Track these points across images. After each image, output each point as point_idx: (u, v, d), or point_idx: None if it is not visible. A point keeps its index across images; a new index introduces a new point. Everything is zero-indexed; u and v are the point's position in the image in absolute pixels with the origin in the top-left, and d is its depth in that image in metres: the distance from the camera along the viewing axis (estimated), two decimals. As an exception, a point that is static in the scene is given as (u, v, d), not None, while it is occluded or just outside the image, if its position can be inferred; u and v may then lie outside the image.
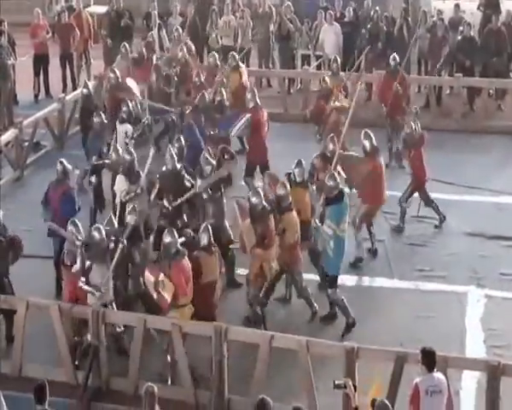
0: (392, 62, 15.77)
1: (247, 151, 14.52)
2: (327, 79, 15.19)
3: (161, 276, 9.73)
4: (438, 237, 13.11)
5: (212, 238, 10.24)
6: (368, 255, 12.46)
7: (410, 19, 19.05)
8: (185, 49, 16.77)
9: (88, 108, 14.94)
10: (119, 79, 15.51)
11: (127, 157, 11.95)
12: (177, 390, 9.60)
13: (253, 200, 10.68)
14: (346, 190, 11.63)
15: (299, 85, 19.25)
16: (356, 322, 10.67)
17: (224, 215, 11.71)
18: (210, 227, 10.33)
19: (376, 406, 7.46)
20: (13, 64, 17.78)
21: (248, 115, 13.89)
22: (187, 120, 14.33)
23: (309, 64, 19.09)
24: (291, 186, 11.18)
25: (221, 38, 19.38)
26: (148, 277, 9.88)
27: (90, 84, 15.76)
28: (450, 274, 12.03)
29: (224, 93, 14.84)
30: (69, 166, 12.03)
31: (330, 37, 18.63)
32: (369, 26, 18.74)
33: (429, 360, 7.95)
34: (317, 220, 10.77)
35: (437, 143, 14.74)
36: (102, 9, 21.41)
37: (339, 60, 16.10)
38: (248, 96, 14.32)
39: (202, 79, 15.67)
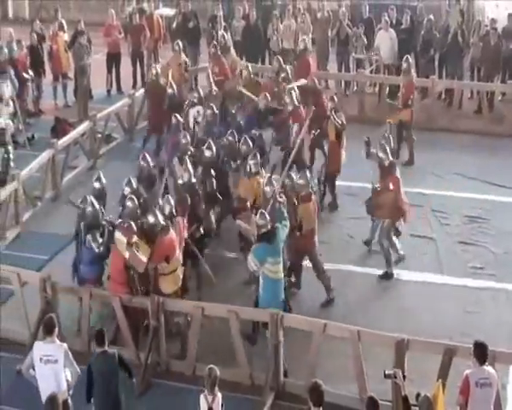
0: None
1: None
2: None
3: (135, 238, 9.85)
4: (489, 236, 12.80)
5: (173, 209, 10.33)
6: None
7: (464, 27, 18.66)
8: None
9: (173, 106, 14.81)
10: (159, 77, 15.57)
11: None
12: (234, 372, 9.55)
13: (266, 188, 10.91)
14: None
15: (355, 88, 19.05)
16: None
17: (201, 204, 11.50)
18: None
19: (420, 401, 7.32)
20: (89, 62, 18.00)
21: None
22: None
23: (363, 67, 18.88)
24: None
25: (281, 42, 19.28)
26: (120, 237, 9.90)
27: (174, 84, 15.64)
28: (499, 272, 11.75)
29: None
30: (181, 120, 13.27)
31: (386, 42, 18.44)
32: (422, 33, 18.44)
33: (481, 352, 7.77)
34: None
35: (489, 148, 14.50)
36: (171, 12, 21.54)
37: (410, 59, 15.85)
38: (287, 99, 14.05)
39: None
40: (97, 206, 10.66)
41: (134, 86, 18.96)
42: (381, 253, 11.68)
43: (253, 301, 9.99)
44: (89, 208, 10.57)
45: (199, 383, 8.54)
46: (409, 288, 11.47)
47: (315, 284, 11.24)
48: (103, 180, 11.49)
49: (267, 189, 10.94)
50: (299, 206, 10.93)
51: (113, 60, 19.16)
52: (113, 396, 8.29)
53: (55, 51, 18.09)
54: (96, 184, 11.44)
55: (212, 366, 7.87)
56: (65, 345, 8.33)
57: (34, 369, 8.29)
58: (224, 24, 19.31)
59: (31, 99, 17.77)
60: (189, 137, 12.81)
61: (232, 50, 17.59)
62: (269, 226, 9.90)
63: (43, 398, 8.10)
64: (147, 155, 12.31)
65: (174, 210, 10.54)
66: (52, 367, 8.17)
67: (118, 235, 9.93)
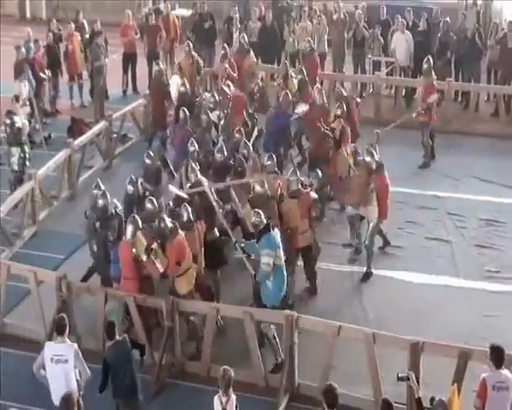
0: None
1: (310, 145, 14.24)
2: None
3: (155, 245, 9.88)
4: (505, 239, 12.73)
5: (190, 215, 10.35)
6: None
7: (481, 30, 18.58)
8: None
9: (184, 104, 14.80)
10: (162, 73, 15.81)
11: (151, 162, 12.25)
12: (248, 373, 9.54)
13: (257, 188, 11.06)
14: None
15: (371, 90, 19.00)
16: (284, 363, 9.48)
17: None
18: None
19: (434, 404, 7.28)
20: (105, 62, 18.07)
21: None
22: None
23: (379, 69, 18.84)
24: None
25: (297, 43, 19.27)
26: (141, 238, 9.91)
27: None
28: (516, 276, 11.73)
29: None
30: (188, 113, 13.41)
31: (402, 44, 18.38)
32: (438, 35, 18.38)
33: (498, 356, 7.72)
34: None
35: (506, 151, 14.43)
36: (187, 13, 21.58)
37: (431, 61, 15.78)
38: (317, 95, 14.18)
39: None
40: (109, 198, 10.82)
41: (149, 86, 18.98)
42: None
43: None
44: (100, 201, 10.80)
45: (213, 384, 8.54)
46: (424, 291, 11.41)
47: (326, 285, 11.22)
48: (102, 187, 11.45)
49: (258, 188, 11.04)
50: (285, 200, 11.01)
51: (129, 60, 19.20)
52: (129, 376, 8.45)
53: (71, 51, 18.14)
54: (96, 191, 11.38)
55: (226, 367, 7.87)
56: (75, 345, 8.33)
57: (45, 369, 8.29)
58: (239, 25, 19.30)
59: (47, 99, 17.86)
60: (196, 144, 12.72)
61: (251, 53, 17.53)
62: (264, 222, 10.00)
63: (54, 398, 8.14)
64: (151, 153, 12.45)
65: (192, 216, 10.47)
66: (62, 367, 8.19)
67: (139, 234, 9.97)
